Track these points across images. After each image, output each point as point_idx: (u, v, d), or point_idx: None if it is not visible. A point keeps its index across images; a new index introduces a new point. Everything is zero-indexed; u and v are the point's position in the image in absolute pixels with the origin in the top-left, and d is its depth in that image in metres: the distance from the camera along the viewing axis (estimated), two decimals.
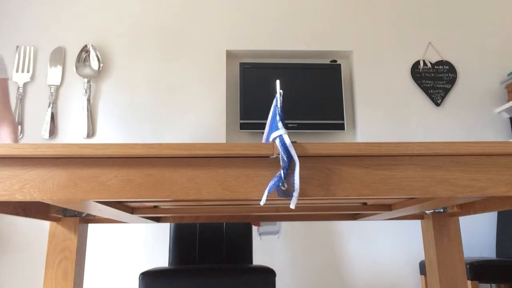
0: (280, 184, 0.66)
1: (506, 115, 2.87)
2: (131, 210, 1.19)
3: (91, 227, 2.61)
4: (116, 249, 2.59)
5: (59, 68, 2.83)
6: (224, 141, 2.78)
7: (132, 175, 0.68)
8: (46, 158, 0.68)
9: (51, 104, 2.74)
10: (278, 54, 2.99)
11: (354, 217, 1.44)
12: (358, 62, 2.93)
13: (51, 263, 1.15)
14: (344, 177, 0.69)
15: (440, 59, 2.97)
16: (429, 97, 2.88)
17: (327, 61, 3.02)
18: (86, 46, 2.85)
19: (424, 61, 2.95)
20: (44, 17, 2.93)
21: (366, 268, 2.63)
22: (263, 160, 0.69)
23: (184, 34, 2.94)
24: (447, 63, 2.96)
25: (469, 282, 2.09)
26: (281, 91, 0.76)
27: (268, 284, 1.70)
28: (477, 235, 2.70)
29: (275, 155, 0.69)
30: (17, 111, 2.72)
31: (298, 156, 0.68)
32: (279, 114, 0.72)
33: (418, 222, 2.71)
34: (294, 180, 0.66)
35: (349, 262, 2.63)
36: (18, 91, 2.76)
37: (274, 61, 3.02)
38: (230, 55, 2.98)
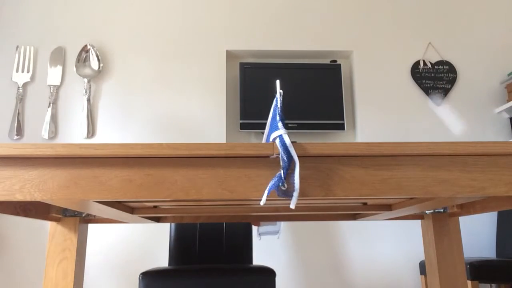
0: (280, 184, 0.66)
1: (506, 115, 2.87)
2: (131, 210, 1.19)
3: (91, 227, 2.61)
4: (116, 249, 2.59)
5: (59, 68, 2.83)
6: (224, 141, 2.78)
7: (132, 175, 0.68)
8: (46, 158, 0.68)
9: (51, 104, 2.74)
10: (278, 54, 2.99)
11: (354, 217, 1.44)
12: (358, 62, 2.93)
13: (51, 263, 1.15)
14: (344, 177, 0.69)
15: (440, 59, 2.97)
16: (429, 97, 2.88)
17: (327, 61, 3.02)
18: (86, 46, 2.85)
19: (424, 61, 2.95)
20: (44, 17, 2.93)
21: (366, 268, 2.63)
22: (263, 160, 0.69)
23: (184, 34, 2.94)
24: (447, 63, 2.96)
25: (469, 282, 2.09)
26: (281, 91, 0.76)
27: (268, 284, 1.70)
28: (477, 235, 2.70)
29: (275, 155, 0.69)
30: (17, 111, 2.72)
31: (298, 156, 0.68)
32: (279, 114, 0.72)
33: (418, 222, 2.71)
34: (294, 180, 0.66)
35: (349, 262, 2.63)
36: (18, 91, 2.76)
37: (274, 61, 3.02)
38: (230, 55, 2.98)
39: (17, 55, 2.83)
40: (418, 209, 1.09)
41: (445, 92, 2.89)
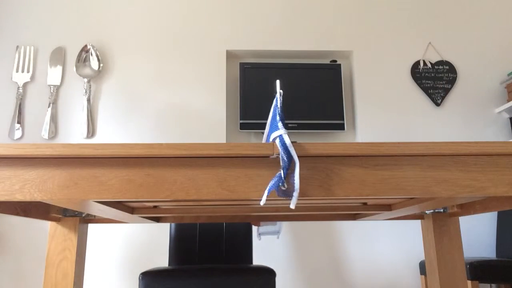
0: (280, 184, 0.66)
1: (506, 115, 2.87)
2: (131, 210, 1.19)
3: (91, 227, 2.61)
4: (116, 249, 2.59)
5: (59, 68, 2.83)
6: (224, 141, 2.78)
7: (132, 175, 0.68)
8: (46, 158, 0.68)
9: (51, 104, 2.74)
10: (278, 54, 2.99)
11: (354, 217, 1.44)
12: (358, 62, 2.93)
13: (51, 263, 1.15)
14: (344, 177, 0.69)
15: (440, 59, 2.97)
16: (429, 97, 2.88)
17: (327, 61, 3.02)
18: (86, 46, 2.85)
19: (424, 61, 2.95)
20: (44, 17, 2.93)
21: (366, 268, 2.63)
22: (263, 160, 0.69)
23: (184, 34, 2.94)
24: (447, 63, 2.96)
25: (469, 282, 2.09)
26: (281, 91, 0.76)
27: (268, 284, 1.70)
28: (477, 235, 2.70)
29: (275, 155, 0.69)
30: (17, 111, 2.72)
31: (298, 156, 0.68)
32: (279, 114, 0.72)
33: (418, 222, 2.71)
34: (294, 180, 0.66)
35: (349, 262, 2.63)
36: (18, 91, 2.76)
37: (274, 61, 3.02)
38: (230, 55, 2.98)
39: (17, 55, 2.83)
40: (418, 209, 1.09)
41: (445, 92, 2.89)
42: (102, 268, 2.56)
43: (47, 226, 2.62)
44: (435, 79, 2.91)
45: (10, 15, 2.93)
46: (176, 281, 1.68)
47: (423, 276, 2.45)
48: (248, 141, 2.85)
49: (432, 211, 1.26)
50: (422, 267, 2.45)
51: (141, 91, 2.83)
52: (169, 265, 2.12)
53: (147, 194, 0.67)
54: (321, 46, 2.95)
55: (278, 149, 0.67)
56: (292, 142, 0.67)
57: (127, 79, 2.85)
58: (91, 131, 2.73)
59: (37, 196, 0.67)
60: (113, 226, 2.62)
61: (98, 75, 2.83)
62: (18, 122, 2.71)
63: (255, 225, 2.57)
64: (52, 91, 2.77)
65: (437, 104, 2.86)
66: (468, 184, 0.70)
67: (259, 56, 3.01)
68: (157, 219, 1.43)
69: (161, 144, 0.68)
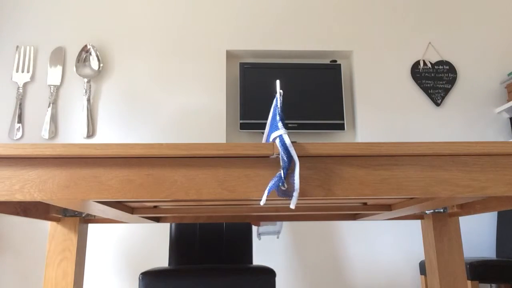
0: (280, 184, 0.66)
1: (506, 115, 2.86)
2: (131, 210, 1.19)
3: (91, 227, 2.61)
4: (116, 249, 2.59)
5: (59, 68, 2.83)
6: (224, 141, 2.78)
7: (132, 175, 0.68)
8: (46, 158, 0.68)
9: (51, 104, 2.74)
10: (278, 54, 2.99)
11: (354, 217, 1.44)
12: (358, 62, 2.93)
13: (51, 263, 1.15)
14: (344, 177, 0.69)
15: (440, 59, 2.97)
16: (429, 97, 2.88)
17: (327, 61, 3.02)
18: (86, 46, 2.85)
19: (424, 61, 2.95)
20: (44, 17, 2.93)
21: (366, 268, 2.63)
22: (263, 160, 0.69)
23: (184, 34, 2.94)
24: (447, 63, 2.96)
25: (469, 282, 2.09)
26: (281, 91, 0.76)
27: (268, 284, 1.70)
28: (477, 235, 2.70)
29: (275, 155, 0.69)
30: (17, 111, 2.72)
31: (298, 156, 0.68)
32: (279, 114, 0.72)
33: (418, 222, 2.71)
34: (294, 180, 0.66)
35: (349, 262, 2.63)
36: (18, 91, 2.76)
37: (274, 61, 3.02)
38: (230, 55, 2.98)
39: (17, 55, 2.83)
40: (418, 209, 1.09)
41: (445, 92, 2.89)
42: (102, 268, 2.56)
43: (47, 226, 2.62)
44: (435, 79, 2.91)
45: (10, 15, 2.93)
46: (176, 281, 1.68)
47: (423, 276, 2.45)
48: (248, 141, 2.85)
49: (432, 211, 1.26)
50: (422, 267, 2.45)
51: (141, 91, 2.83)
52: (169, 265, 2.12)
53: (147, 194, 0.67)
54: (321, 46, 2.95)
55: (278, 149, 0.67)
56: (292, 142, 0.67)
57: (127, 79, 2.85)
58: (91, 131, 2.73)
59: (37, 196, 0.67)
60: (113, 226, 2.62)
61: (98, 75, 2.83)
62: (18, 122, 2.71)
63: (255, 225, 2.57)
64: (52, 91, 2.77)
65: (437, 104, 2.86)
66: (468, 184, 0.70)
67: (259, 56, 3.01)
68: (157, 219, 1.43)
69: (161, 144, 0.68)
